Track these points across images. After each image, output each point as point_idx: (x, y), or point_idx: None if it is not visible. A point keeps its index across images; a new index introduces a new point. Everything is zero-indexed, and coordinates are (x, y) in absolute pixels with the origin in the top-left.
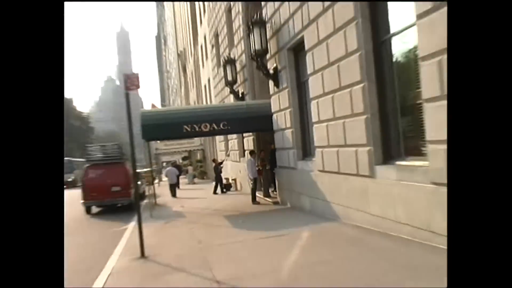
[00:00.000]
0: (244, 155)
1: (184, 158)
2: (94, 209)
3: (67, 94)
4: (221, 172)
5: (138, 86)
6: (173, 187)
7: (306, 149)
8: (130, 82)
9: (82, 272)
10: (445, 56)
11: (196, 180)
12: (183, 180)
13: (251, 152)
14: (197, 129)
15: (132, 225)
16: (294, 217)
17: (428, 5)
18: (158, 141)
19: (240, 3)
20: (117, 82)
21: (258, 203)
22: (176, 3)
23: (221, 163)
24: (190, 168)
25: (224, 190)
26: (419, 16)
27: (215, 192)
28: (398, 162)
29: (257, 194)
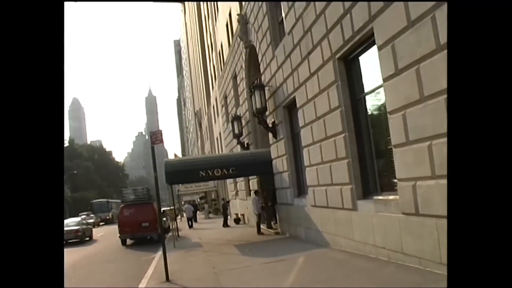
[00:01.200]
0: (250, 194)
1: (201, 198)
2: (128, 241)
3: (108, 147)
4: (227, 209)
5: (161, 141)
6: (190, 220)
7: (300, 188)
8: (155, 137)
9: None
10: (408, 110)
11: (211, 215)
12: (200, 216)
13: (256, 192)
14: (210, 173)
15: (159, 254)
16: (292, 245)
17: (392, 70)
18: (180, 184)
19: (243, 71)
20: (146, 137)
21: (262, 234)
22: (193, 74)
23: (228, 202)
24: (206, 206)
25: (228, 224)
26: (385, 80)
27: (225, 225)
28: (375, 197)
29: (261, 226)
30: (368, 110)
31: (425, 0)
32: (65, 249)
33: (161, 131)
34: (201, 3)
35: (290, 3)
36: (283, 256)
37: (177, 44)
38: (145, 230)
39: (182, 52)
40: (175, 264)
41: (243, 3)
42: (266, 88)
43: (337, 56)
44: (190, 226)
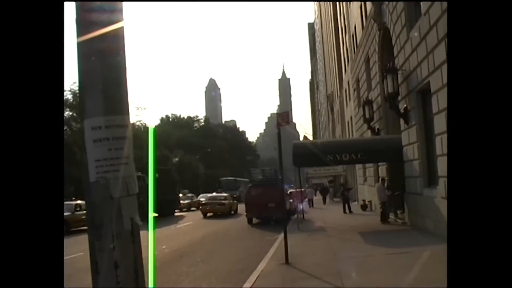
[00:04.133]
0: (378, 181)
1: (330, 182)
2: (254, 220)
3: (241, 127)
4: (346, 195)
5: (287, 123)
6: (310, 202)
7: (431, 178)
8: (281, 119)
9: (238, 271)
10: None
11: (335, 199)
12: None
13: (382, 179)
14: (338, 158)
15: (282, 235)
16: (418, 237)
17: None
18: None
19: (376, 54)
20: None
21: (388, 223)
22: (326, 57)
23: (349, 189)
24: (331, 189)
25: (351, 210)
26: None
27: (345, 212)
28: None
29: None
30: None
31: (425, 0)
32: (202, 222)
33: (287, 112)
34: None
35: None
36: (407, 248)
37: (311, 27)
38: (271, 211)
39: (316, 35)
40: (296, 247)
41: None
42: (399, 72)
43: None
44: (311, 206)
